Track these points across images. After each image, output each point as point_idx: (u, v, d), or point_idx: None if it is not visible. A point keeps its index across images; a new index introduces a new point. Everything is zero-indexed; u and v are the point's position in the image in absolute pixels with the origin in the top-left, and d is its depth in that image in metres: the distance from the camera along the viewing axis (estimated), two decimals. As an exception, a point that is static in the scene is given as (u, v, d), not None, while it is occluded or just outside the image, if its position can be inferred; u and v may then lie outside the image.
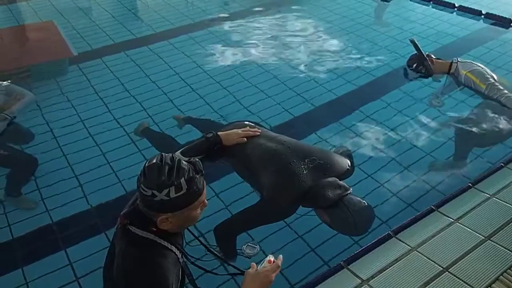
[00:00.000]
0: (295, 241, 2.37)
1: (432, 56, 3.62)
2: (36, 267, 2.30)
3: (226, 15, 5.49)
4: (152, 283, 1.44)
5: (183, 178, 1.42)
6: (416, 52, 3.63)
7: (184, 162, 1.47)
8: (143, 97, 3.71)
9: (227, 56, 4.39)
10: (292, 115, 3.44)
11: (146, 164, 1.45)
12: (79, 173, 2.90)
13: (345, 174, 2.19)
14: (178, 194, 1.42)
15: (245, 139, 2.20)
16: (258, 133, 2.26)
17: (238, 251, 2.06)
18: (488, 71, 3.35)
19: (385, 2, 5.75)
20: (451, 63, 3.51)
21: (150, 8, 5.80)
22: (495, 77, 3.31)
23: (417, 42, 3.59)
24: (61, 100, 3.68)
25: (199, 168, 1.48)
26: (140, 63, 4.27)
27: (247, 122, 2.46)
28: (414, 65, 3.63)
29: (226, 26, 5.14)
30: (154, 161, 1.45)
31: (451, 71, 3.49)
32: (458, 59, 3.51)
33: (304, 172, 2.05)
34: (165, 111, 3.49)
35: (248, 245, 2.03)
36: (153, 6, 5.82)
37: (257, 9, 5.66)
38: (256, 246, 2.02)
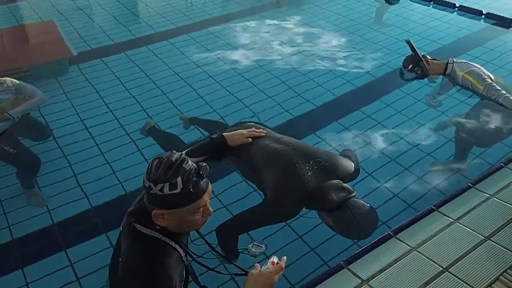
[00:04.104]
0: (295, 241, 2.38)
1: (428, 57, 3.61)
2: (36, 268, 2.30)
3: (226, 15, 5.49)
4: (156, 281, 1.45)
5: (179, 178, 1.43)
6: (411, 52, 3.62)
7: (190, 164, 1.47)
8: (143, 97, 3.71)
9: (227, 56, 4.39)
10: (292, 115, 3.44)
11: (153, 158, 1.49)
12: (79, 173, 2.90)
13: (350, 176, 2.19)
14: (172, 192, 1.43)
15: (250, 139, 2.20)
16: (263, 134, 2.26)
17: (243, 250, 2.06)
18: (485, 71, 3.34)
19: (388, 4, 5.74)
20: (447, 63, 3.50)
21: (150, 8, 5.80)
22: (492, 77, 3.30)
23: (412, 43, 3.58)
24: (61, 100, 3.69)
25: (201, 172, 1.48)
26: (140, 63, 4.27)
27: (252, 123, 2.46)
28: (410, 66, 3.62)
29: (226, 26, 5.14)
30: (161, 156, 1.48)
31: (447, 71, 3.48)
32: (454, 60, 3.50)
33: (309, 173, 2.05)
34: (165, 111, 3.49)
35: (254, 244, 2.03)
36: (153, 6, 5.82)
37: (257, 9, 5.66)
38: (262, 245, 2.01)
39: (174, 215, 1.48)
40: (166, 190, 1.42)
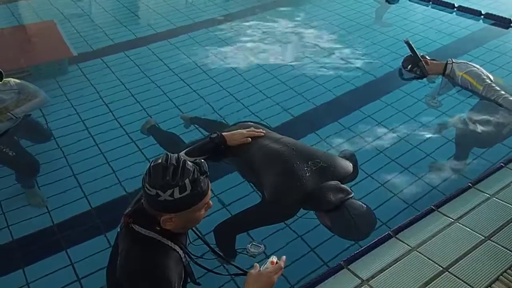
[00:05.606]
0: (295, 241, 2.37)
1: (427, 57, 3.61)
2: (37, 267, 2.30)
3: (226, 15, 5.49)
4: (155, 282, 1.45)
5: (187, 179, 1.42)
6: (411, 53, 3.62)
7: (189, 163, 1.47)
8: (143, 97, 3.71)
9: (227, 56, 4.39)
10: (292, 115, 3.44)
11: (152, 164, 1.46)
12: (79, 173, 2.90)
13: (348, 177, 2.20)
14: (182, 195, 1.42)
15: (250, 139, 2.21)
16: (263, 134, 2.26)
17: (242, 250, 2.06)
18: (484, 71, 3.34)
19: (388, 3, 5.74)
20: (446, 64, 3.50)
21: (150, 8, 5.80)
22: (491, 77, 3.31)
23: (411, 43, 3.58)
24: (61, 100, 3.68)
25: (204, 169, 1.48)
26: (140, 63, 4.27)
27: (252, 123, 2.46)
28: (409, 66, 3.62)
29: (226, 26, 5.14)
30: (160, 161, 1.46)
31: (446, 72, 3.49)
32: (453, 60, 3.50)
33: (307, 174, 2.05)
34: (165, 111, 3.49)
35: (253, 244, 2.03)
36: (153, 6, 5.82)
37: (257, 9, 5.66)
38: (261, 246, 2.02)
39: (182, 216, 1.48)
40: (177, 194, 1.42)
